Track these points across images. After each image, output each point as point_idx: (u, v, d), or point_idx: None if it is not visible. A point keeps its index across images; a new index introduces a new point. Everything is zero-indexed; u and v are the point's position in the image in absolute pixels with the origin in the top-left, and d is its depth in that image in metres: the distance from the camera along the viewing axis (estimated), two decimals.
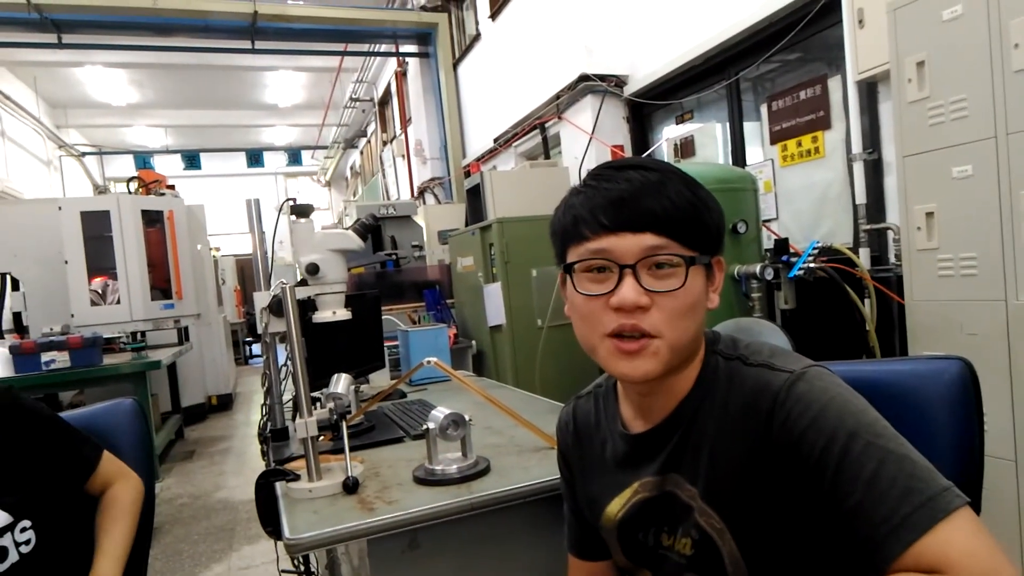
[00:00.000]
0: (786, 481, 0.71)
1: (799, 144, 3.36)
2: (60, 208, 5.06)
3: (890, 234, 2.80)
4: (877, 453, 0.65)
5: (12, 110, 9.63)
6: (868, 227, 2.86)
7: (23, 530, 1.15)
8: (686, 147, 4.00)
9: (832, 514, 0.67)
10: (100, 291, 5.13)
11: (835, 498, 0.66)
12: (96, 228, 5.10)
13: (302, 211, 1.64)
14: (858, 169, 2.89)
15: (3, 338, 5.11)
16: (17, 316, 5.31)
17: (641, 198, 0.75)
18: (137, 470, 1.38)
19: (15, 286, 5.38)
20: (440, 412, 1.29)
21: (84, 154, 13.06)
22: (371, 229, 1.71)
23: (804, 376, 0.72)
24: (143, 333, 5.24)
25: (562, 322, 3.47)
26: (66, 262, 4.99)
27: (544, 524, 1.20)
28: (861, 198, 2.89)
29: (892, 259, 2.78)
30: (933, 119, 2.01)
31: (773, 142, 3.52)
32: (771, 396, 0.72)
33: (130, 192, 5.91)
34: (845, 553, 0.67)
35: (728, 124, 4.03)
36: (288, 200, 1.62)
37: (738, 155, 3.93)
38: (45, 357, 3.91)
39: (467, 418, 1.30)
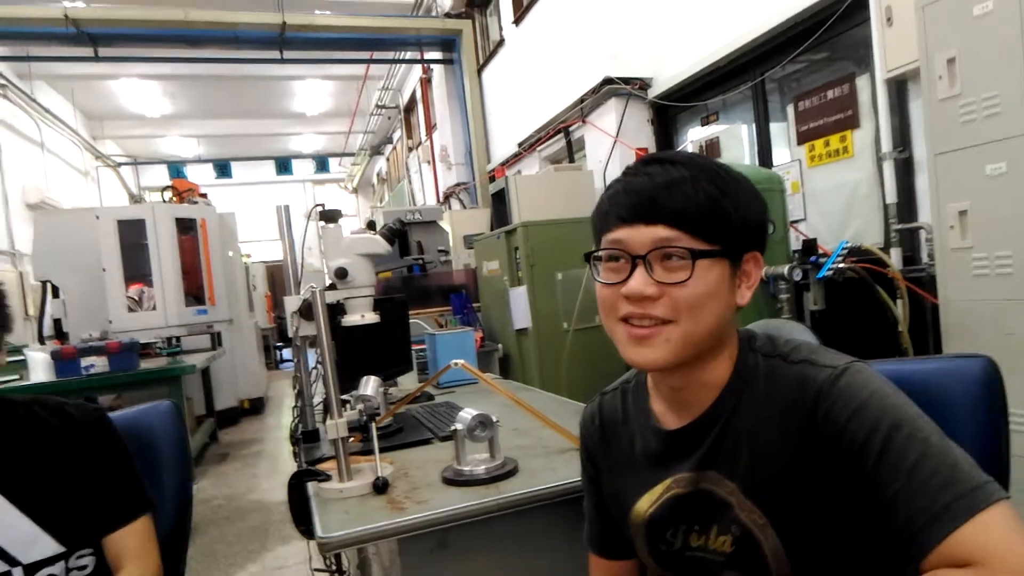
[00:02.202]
0: (828, 473, 0.72)
1: (827, 144, 3.32)
2: (97, 217, 5.20)
3: (922, 233, 2.76)
4: (919, 445, 0.66)
5: (51, 122, 9.92)
6: (899, 227, 2.81)
7: (81, 556, 1.11)
8: (711, 149, 3.98)
9: (872, 504, 0.68)
10: (137, 298, 5.26)
11: (875, 487, 0.67)
12: (132, 236, 5.24)
13: (331, 216, 1.67)
14: (888, 168, 2.85)
15: (45, 344, 5.26)
16: (58, 322, 5.46)
17: (656, 192, 0.76)
18: (174, 471, 1.38)
19: (55, 293, 5.53)
20: (468, 413, 1.30)
21: (120, 164, 13.41)
22: (398, 233, 1.74)
23: (847, 371, 0.73)
24: (178, 338, 5.36)
25: (588, 325, 3.47)
26: (104, 270, 5.12)
27: (572, 524, 1.20)
28: (891, 197, 2.84)
29: (924, 259, 2.74)
30: (965, 116, 1.97)
31: (800, 142, 3.48)
32: (815, 390, 0.73)
33: (164, 201, 6.07)
34: (884, 543, 0.68)
35: (754, 125, 4.00)
36: (317, 206, 1.66)
37: (764, 156, 3.90)
38: (85, 362, 4.03)
39: (494, 419, 1.31)
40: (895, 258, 2.77)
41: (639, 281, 0.76)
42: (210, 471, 4.86)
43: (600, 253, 0.82)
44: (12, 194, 8.49)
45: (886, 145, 2.85)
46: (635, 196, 0.78)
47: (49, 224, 5.70)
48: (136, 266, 5.24)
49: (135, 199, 13.35)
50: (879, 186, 3.00)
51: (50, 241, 5.52)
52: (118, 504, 1.16)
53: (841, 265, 2.44)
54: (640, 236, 0.76)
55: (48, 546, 1.07)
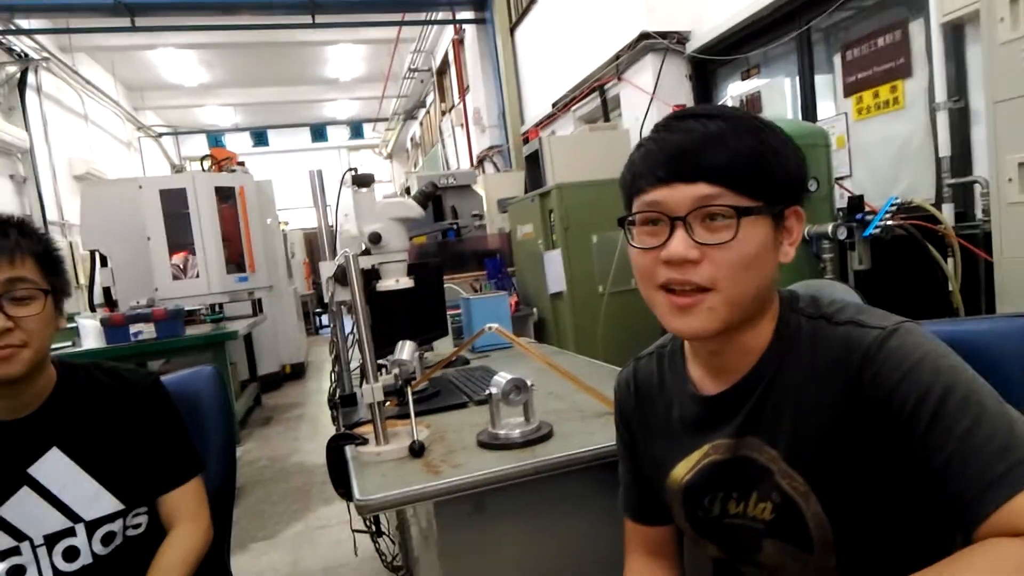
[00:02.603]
0: (875, 438, 0.69)
1: (876, 95, 3.16)
2: (140, 187, 5.31)
3: (977, 188, 2.62)
4: (974, 408, 0.63)
5: (94, 94, 10.12)
6: (952, 181, 2.68)
7: (136, 514, 1.16)
8: (752, 104, 3.84)
9: (922, 470, 0.65)
10: (181, 265, 5.39)
11: (926, 453, 0.64)
12: (174, 205, 5.34)
13: (363, 181, 1.66)
14: (942, 119, 2.71)
15: (95, 312, 5.45)
16: (107, 291, 5.64)
17: (696, 148, 0.72)
18: (218, 433, 1.42)
19: (104, 262, 5.70)
20: (502, 377, 1.30)
21: (161, 135, 13.65)
22: (431, 197, 1.72)
23: (897, 331, 0.70)
24: (221, 305, 5.49)
25: (623, 288, 3.43)
26: (148, 238, 5.25)
27: (608, 489, 1.19)
28: (945, 150, 2.71)
29: (979, 215, 2.61)
30: None
31: (847, 94, 3.33)
32: (861, 352, 0.70)
33: (204, 170, 6.16)
34: (932, 511, 0.65)
35: (798, 78, 3.83)
36: (350, 170, 1.65)
37: (809, 110, 3.74)
38: (133, 329, 4.17)
39: (529, 383, 1.30)
40: (947, 214, 2.65)
41: (680, 244, 0.72)
42: (255, 434, 5.02)
43: (634, 217, 0.77)
44: (59, 166, 8.72)
45: (940, 94, 2.71)
46: (672, 153, 0.73)
47: (95, 195, 5.84)
48: (179, 234, 5.36)
49: (176, 168, 13.60)
50: (932, 138, 2.85)
51: (97, 211, 5.66)
52: (173, 465, 1.22)
53: (889, 222, 2.34)
54: (679, 195, 0.72)
55: (109, 504, 1.12)
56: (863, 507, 0.72)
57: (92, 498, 1.10)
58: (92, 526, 1.10)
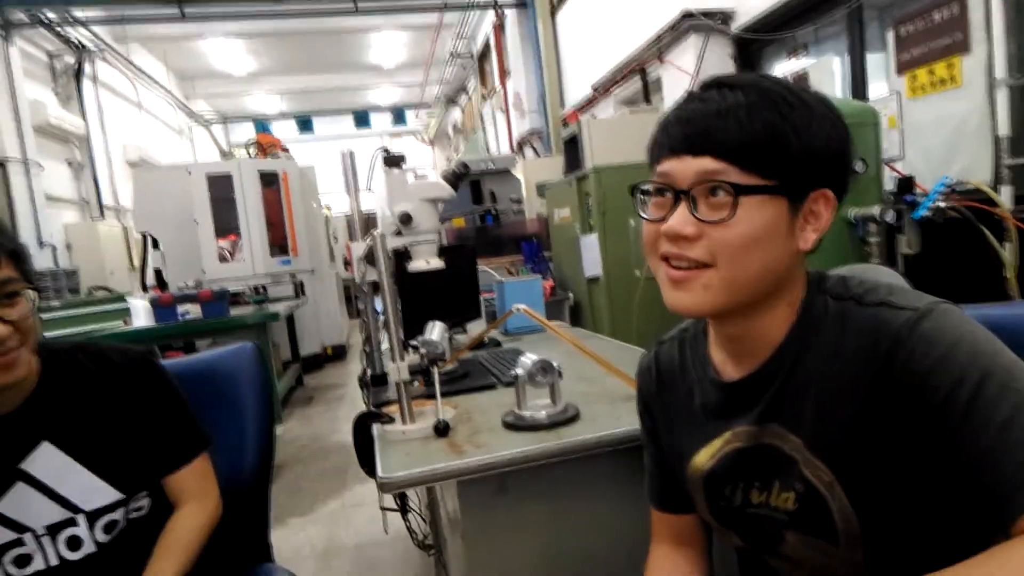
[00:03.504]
0: (905, 427, 0.65)
1: (931, 73, 3.02)
2: (189, 173, 5.47)
3: None
4: (1013, 397, 0.59)
5: (147, 83, 10.43)
6: (1011, 162, 2.55)
7: (138, 499, 1.12)
8: (800, 84, 3.71)
9: (955, 462, 0.61)
10: (228, 249, 5.54)
11: (961, 444, 0.60)
12: (221, 190, 5.49)
13: (394, 161, 1.66)
14: (1002, 97, 2.57)
15: (147, 292, 5.65)
16: (158, 272, 5.84)
17: (708, 121, 0.69)
18: (257, 411, 1.41)
19: (155, 245, 5.90)
20: (528, 359, 1.29)
21: (211, 123, 14.01)
22: (461, 177, 1.71)
23: (930, 314, 0.65)
24: (264, 287, 5.63)
25: None
26: (196, 222, 5.41)
27: (633, 473, 1.17)
28: (1004, 130, 2.58)
29: None
30: None
31: (900, 72, 3.18)
32: (891, 335, 0.65)
33: (249, 156, 6.30)
34: (967, 505, 0.61)
35: (848, 56, 3.68)
36: (380, 149, 1.65)
37: (859, 90, 3.60)
38: (180, 309, 4.29)
39: (555, 365, 1.29)
40: (1005, 196, 2.53)
41: (678, 219, 0.70)
42: (296, 413, 5.14)
43: (647, 187, 0.76)
44: (114, 153, 9.03)
45: (1000, 71, 2.57)
46: (686, 125, 0.71)
47: (148, 180, 6.04)
48: (226, 218, 5.51)
49: (226, 155, 13.95)
50: (990, 118, 2.71)
51: (149, 196, 5.85)
52: (174, 446, 1.17)
53: (941, 204, 2.23)
54: (685, 168, 0.70)
55: (108, 494, 1.08)
56: (891, 499, 0.68)
57: (90, 489, 1.07)
58: (93, 516, 1.07)
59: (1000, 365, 0.61)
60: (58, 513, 1.05)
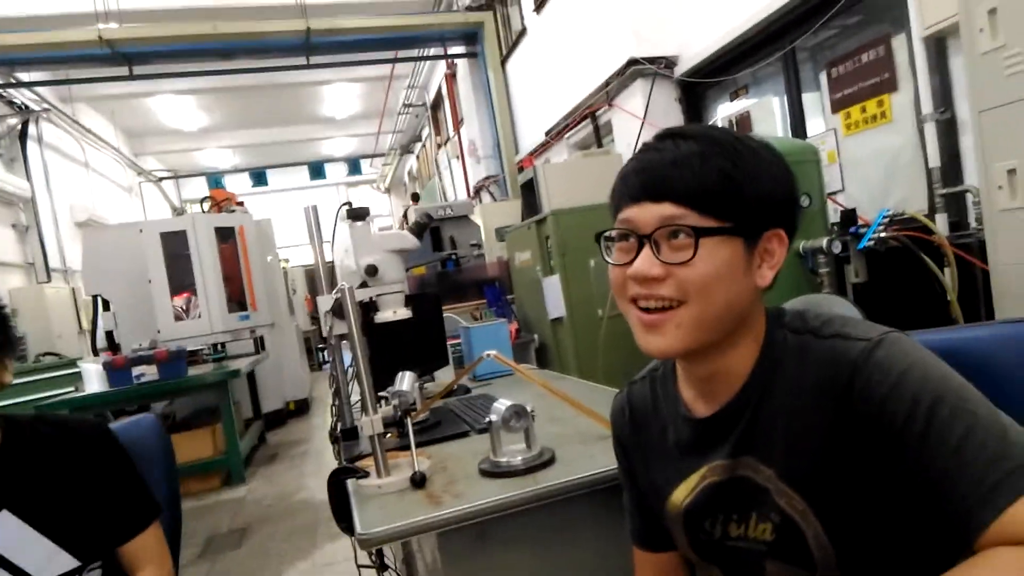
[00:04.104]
0: (869, 453, 0.68)
1: (863, 110, 3.20)
2: (141, 231, 5.36)
3: (969, 197, 2.64)
4: (965, 418, 0.62)
5: (94, 142, 10.26)
6: (944, 191, 2.71)
7: (92, 569, 1.12)
8: (743, 124, 3.88)
9: (917, 484, 0.64)
10: (184, 307, 5.41)
11: (920, 467, 0.63)
12: (175, 247, 5.38)
13: (358, 215, 1.68)
14: (930, 131, 2.74)
15: (98, 355, 5.45)
16: (110, 335, 5.65)
17: (665, 169, 0.74)
18: (162, 481, 1.35)
19: (106, 306, 5.72)
20: (502, 404, 1.29)
21: (161, 179, 13.80)
22: (425, 228, 1.74)
23: (882, 343, 0.69)
24: (223, 344, 5.49)
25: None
26: (150, 281, 5.28)
27: (613, 513, 1.18)
28: (935, 161, 2.74)
29: (973, 223, 2.62)
30: (1010, 69, 1.87)
31: (835, 110, 3.37)
32: (849, 365, 0.69)
33: (203, 211, 6.21)
34: (932, 526, 0.64)
35: (786, 96, 3.88)
36: (344, 204, 1.67)
37: (798, 127, 3.79)
38: (136, 371, 4.16)
39: (529, 409, 1.30)
40: (941, 224, 2.67)
41: (644, 262, 0.74)
42: (259, 472, 4.97)
43: (612, 233, 0.80)
44: (61, 214, 8.81)
45: (927, 107, 2.74)
46: (644, 174, 0.76)
47: (97, 240, 5.88)
48: (181, 276, 5.38)
49: (177, 211, 13.73)
50: (921, 150, 2.88)
51: (98, 256, 5.69)
52: (130, 513, 1.18)
53: (883, 234, 2.35)
54: (647, 214, 0.74)
55: (65, 561, 1.08)
56: (863, 523, 0.71)
57: (46, 557, 1.07)
58: None
59: (950, 388, 0.65)
60: None
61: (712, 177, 0.72)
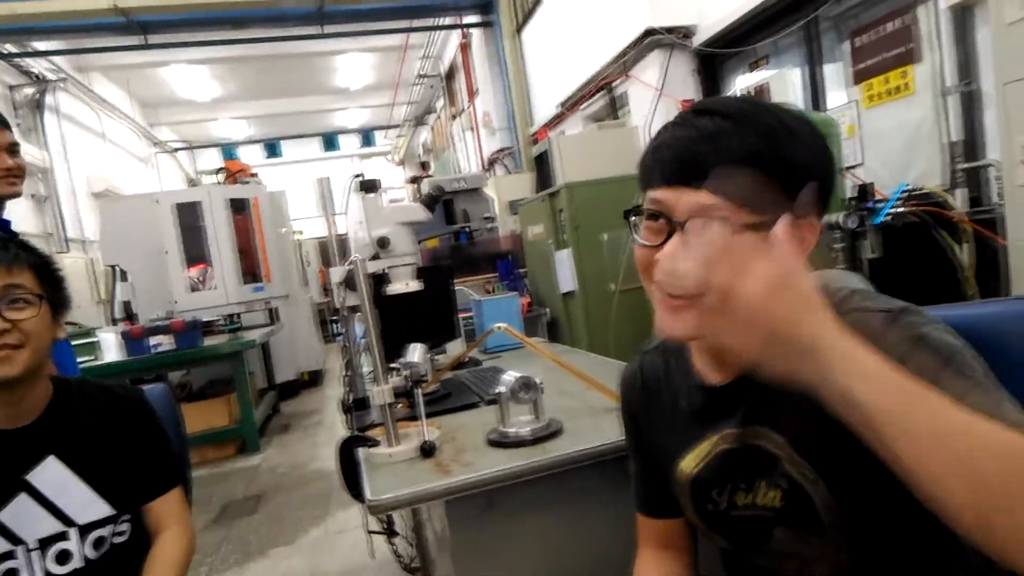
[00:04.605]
0: None
1: (886, 81, 3.13)
2: (157, 202, 5.40)
3: (990, 172, 2.59)
4: (964, 383, 0.62)
5: (110, 112, 10.29)
6: (964, 166, 2.65)
7: (122, 521, 1.21)
8: (761, 95, 3.81)
9: None
10: (200, 278, 5.46)
11: None
12: (190, 219, 5.42)
13: (370, 186, 1.68)
14: (952, 104, 2.68)
15: (116, 325, 5.54)
16: (127, 304, 5.73)
17: (701, 152, 0.70)
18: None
19: (123, 277, 5.79)
20: (511, 376, 1.31)
21: (176, 150, 13.84)
22: (437, 200, 1.74)
23: (902, 313, 0.70)
24: (237, 315, 5.55)
25: (634, 286, 3.41)
26: (166, 252, 5.33)
27: (619, 483, 1.19)
28: (956, 135, 2.68)
29: (993, 198, 2.57)
30: None
31: (856, 82, 3.30)
32: (868, 335, 0.66)
33: (218, 182, 6.24)
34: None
35: (806, 67, 3.80)
36: (356, 176, 1.67)
37: (817, 99, 3.71)
38: (152, 341, 4.23)
39: (538, 381, 1.31)
40: (960, 200, 2.62)
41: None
42: (273, 441, 5.06)
43: (638, 211, 0.77)
44: (78, 184, 8.87)
45: (950, 79, 2.68)
46: (678, 153, 0.72)
47: (113, 211, 5.93)
48: (196, 247, 5.43)
49: (192, 182, 13.78)
50: (943, 124, 2.82)
51: (115, 227, 5.74)
52: (159, 474, 1.29)
53: (900, 209, 2.32)
54: (680, 200, 0.71)
55: (101, 509, 1.18)
56: (871, 488, 0.71)
57: (86, 503, 1.16)
58: (84, 530, 1.15)
59: (958, 355, 0.65)
60: (52, 526, 1.13)
61: (752, 165, 0.69)
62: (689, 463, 0.86)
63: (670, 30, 4.51)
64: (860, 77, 3.28)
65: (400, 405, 1.53)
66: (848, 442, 0.70)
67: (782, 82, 3.82)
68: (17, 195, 1.91)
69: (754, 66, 4.22)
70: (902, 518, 0.72)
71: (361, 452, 1.35)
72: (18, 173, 1.86)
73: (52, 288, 1.15)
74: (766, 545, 0.82)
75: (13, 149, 1.86)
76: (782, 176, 0.70)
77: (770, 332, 0.58)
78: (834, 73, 3.63)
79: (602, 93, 5.65)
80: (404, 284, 1.69)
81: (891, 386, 0.57)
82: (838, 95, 3.58)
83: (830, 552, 0.77)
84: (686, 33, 4.54)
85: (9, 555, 1.09)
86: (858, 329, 0.70)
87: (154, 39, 7.43)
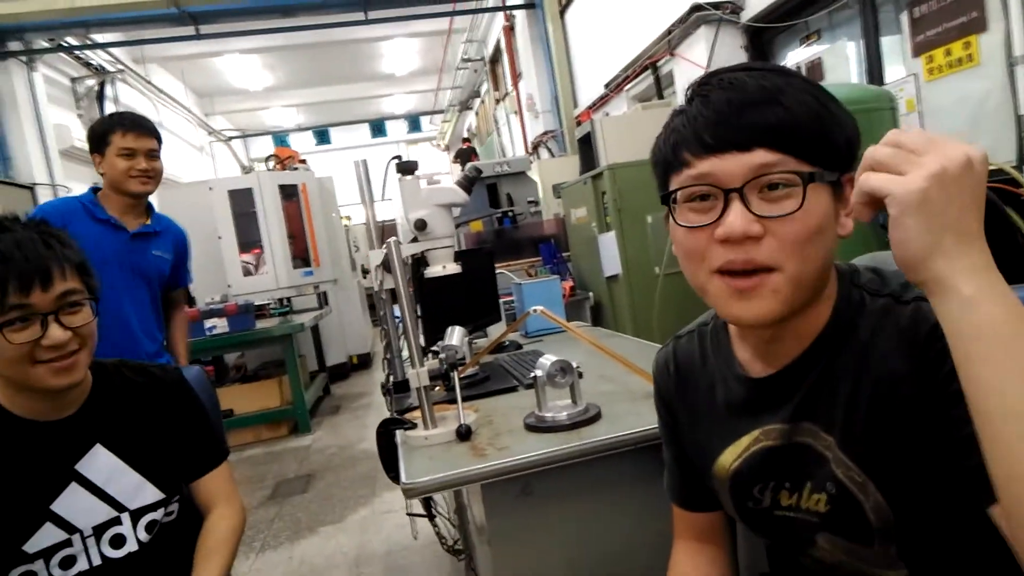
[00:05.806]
0: (938, 423, 0.63)
1: (948, 53, 2.96)
2: (211, 189, 5.55)
3: None
4: None
5: (167, 102, 10.62)
6: None
7: (172, 502, 1.22)
8: (814, 71, 3.66)
9: (951, 442, 0.61)
10: (254, 263, 5.62)
11: (955, 425, 0.60)
12: (242, 205, 5.55)
13: (407, 168, 1.68)
14: (1021, 74, 2.51)
15: None
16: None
17: (750, 107, 0.64)
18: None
19: None
20: (547, 359, 1.29)
21: (230, 138, 14.21)
22: (474, 181, 1.72)
23: None
24: (288, 299, 5.69)
25: (679, 269, 3.35)
26: (220, 237, 5.49)
27: (657, 471, 1.17)
28: None
29: None
30: None
31: (916, 54, 3.13)
32: (929, 327, 0.63)
33: (268, 169, 6.37)
34: (960, 483, 0.61)
35: (862, 41, 3.63)
36: (394, 158, 1.67)
37: (875, 74, 3.54)
38: (207, 324, 4.38)
39: (575, 365, 1.29)
40: None
41: (739, 218, 0.64)
42: (324, 423, 5.19)
43: (679, 193, 0.69)
44: None
45: (1019, 48, 2.51)
46: (721, 115, 0.65)
47: (171, 199, 6.12)
48: (249, 233, 5.57)
49: (246, 170, 14.13)
50: (1011, 96, 2.65)
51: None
52: (205, 452, 1.30)
53: None
54: (733, 165, 0.64)
55: (151, 493, 1.19)
56: (925, 493, 0.67)
57: (136, 489, 1.17)
58: (136, 515, 1.16)
59: None
60: (104, 513, 1.14)
61: (805, 115, 0.64)
62: (728, 457, 0.82)
63: (717, 5, 4.37)
64: (920, 49, 3.11)
65: (438, 388, 1.54)
66: (904, 443, 0.66)
67: (836, 56, 3.66)
68: (148, 194, 2.12)
69: (806, 41, 4.05)
70: (959, 526, 0.68)
71: (399, 435, 1.36)
72: (152, 175, 2.07)
73: (91, 278, 1.11)
74: (809, 549, 0.78)
75: (152, 154, 2.07)
76: (835, 130, 0.67)
77: (956, 212, 0.56)
78: (893, 46, 3.45)
79: (647, 73, 5.53)
80: (442, 267, 1.69)
81: (1013, 306, 0.54)
82: (897, 68, 3.41)
83: (878, 561, 0.72)
84: (734, 8, 4.38)
85: (66, 543, 1.10)
86: (917, 323, 0.66)
87: (205, 29, 7.60)
